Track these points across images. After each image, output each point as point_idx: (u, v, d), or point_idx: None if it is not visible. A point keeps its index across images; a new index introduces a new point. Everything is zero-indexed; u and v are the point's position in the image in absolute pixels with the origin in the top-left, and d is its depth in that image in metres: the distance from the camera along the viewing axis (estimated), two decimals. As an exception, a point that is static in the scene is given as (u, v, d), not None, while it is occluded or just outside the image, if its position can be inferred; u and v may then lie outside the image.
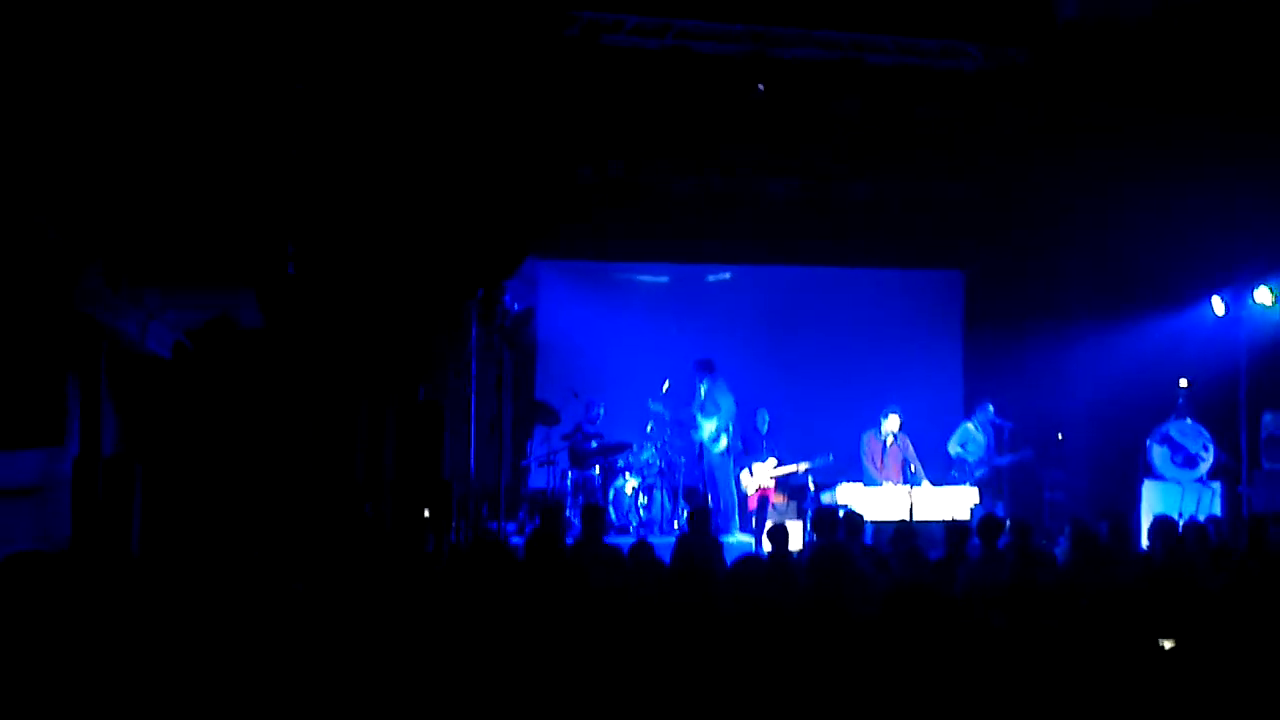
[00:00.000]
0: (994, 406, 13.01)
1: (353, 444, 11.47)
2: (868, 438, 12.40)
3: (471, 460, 11.61)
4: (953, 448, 12.91)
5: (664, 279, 14.75)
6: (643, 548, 7.33)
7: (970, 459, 12.81)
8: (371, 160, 10.88)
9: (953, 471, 12.83)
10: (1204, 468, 12.66)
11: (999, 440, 12.92)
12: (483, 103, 11.17)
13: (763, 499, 12.33)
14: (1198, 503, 12.34)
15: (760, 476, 12.40)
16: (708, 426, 12.33)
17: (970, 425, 12.99)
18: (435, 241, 11.42)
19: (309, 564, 6.60)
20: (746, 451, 12.57)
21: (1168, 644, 4.96)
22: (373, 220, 11.27)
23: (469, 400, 11.45)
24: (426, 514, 8.62)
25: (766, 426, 12.71)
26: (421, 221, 11.37)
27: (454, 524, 10.33)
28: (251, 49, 9.63)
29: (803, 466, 12.30)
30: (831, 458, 12.40)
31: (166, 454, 10.06)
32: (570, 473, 12.43)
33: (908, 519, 10.90)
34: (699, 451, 12.35)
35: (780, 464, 12.43)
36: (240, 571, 6.36)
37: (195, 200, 10.29)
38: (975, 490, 12.05)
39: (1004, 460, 12.82)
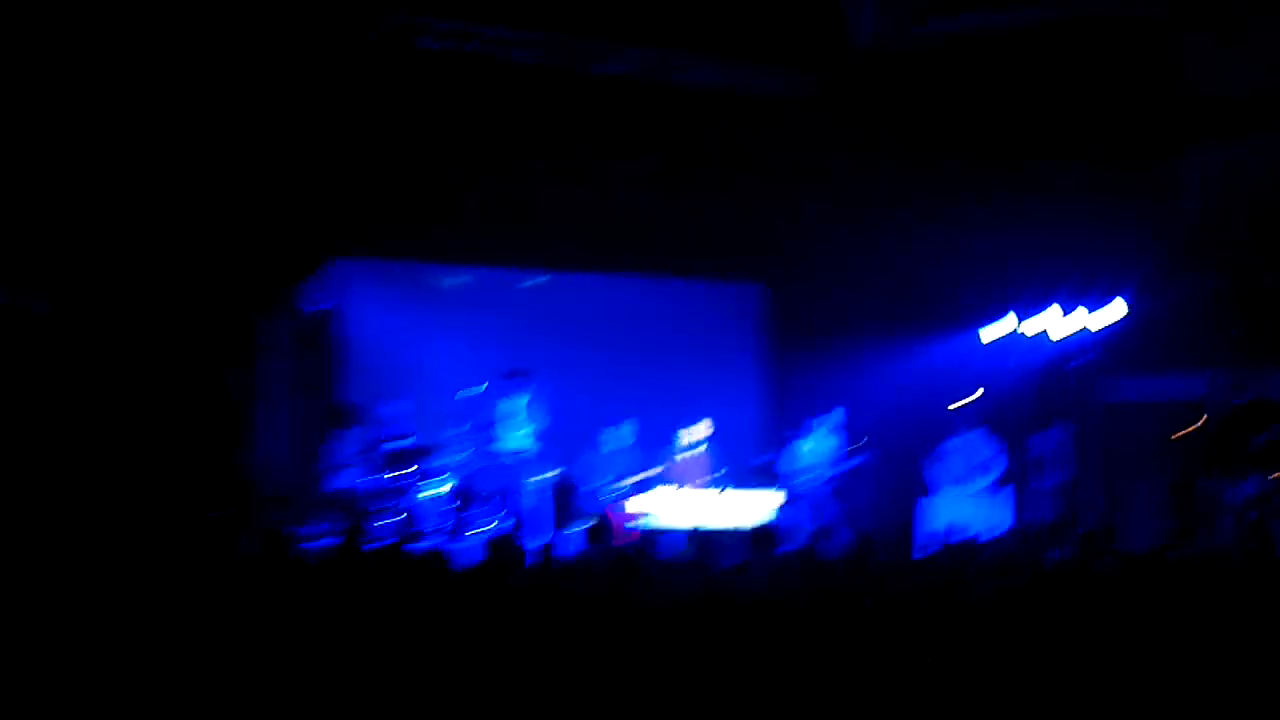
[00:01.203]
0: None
1: (144, 443, 11.20)
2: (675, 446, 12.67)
3: (274, 462, 11.47)
4: (792, 464, 13.07)
5: (471, 280, 14.76)
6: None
7: (823, 468, 13.01)
8: (164, 162, 10.71)
9: (796, 480, 13.02)
10: (987, 481, 13.36)
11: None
12: (280, 104, 11.11)
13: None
14: (988, 511, 13.00)
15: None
16: (517, 435, 12.39)
17: (805, 439, 13.15)
18: (227, 244, 11.27)
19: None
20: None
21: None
22: (161, 222, 11.07)
23: (269, 402, 11.32)
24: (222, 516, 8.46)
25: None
26: (212, 223, 11.21)
27: (251, 527, 10.16)
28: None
29: None
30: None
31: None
32: (376, 476, 12.33)
33: (706, 527, 11.13)
34: (501, 459, 12.42)
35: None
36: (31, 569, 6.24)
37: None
38: (780, 495, 12.37)
39: (848, 465, 13.11)
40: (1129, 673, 4.78)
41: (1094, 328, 12.56)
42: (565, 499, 13.21)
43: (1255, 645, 4.68)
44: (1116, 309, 12.39)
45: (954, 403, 13.60)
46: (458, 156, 12.86)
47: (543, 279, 14.90)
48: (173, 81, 10.57)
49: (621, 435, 12.95)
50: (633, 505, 11.88)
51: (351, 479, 12.44)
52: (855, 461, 13.08)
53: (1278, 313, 11.98)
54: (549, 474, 12.88)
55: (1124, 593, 6.44)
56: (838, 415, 13.14)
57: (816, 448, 13.07)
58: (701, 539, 8.98)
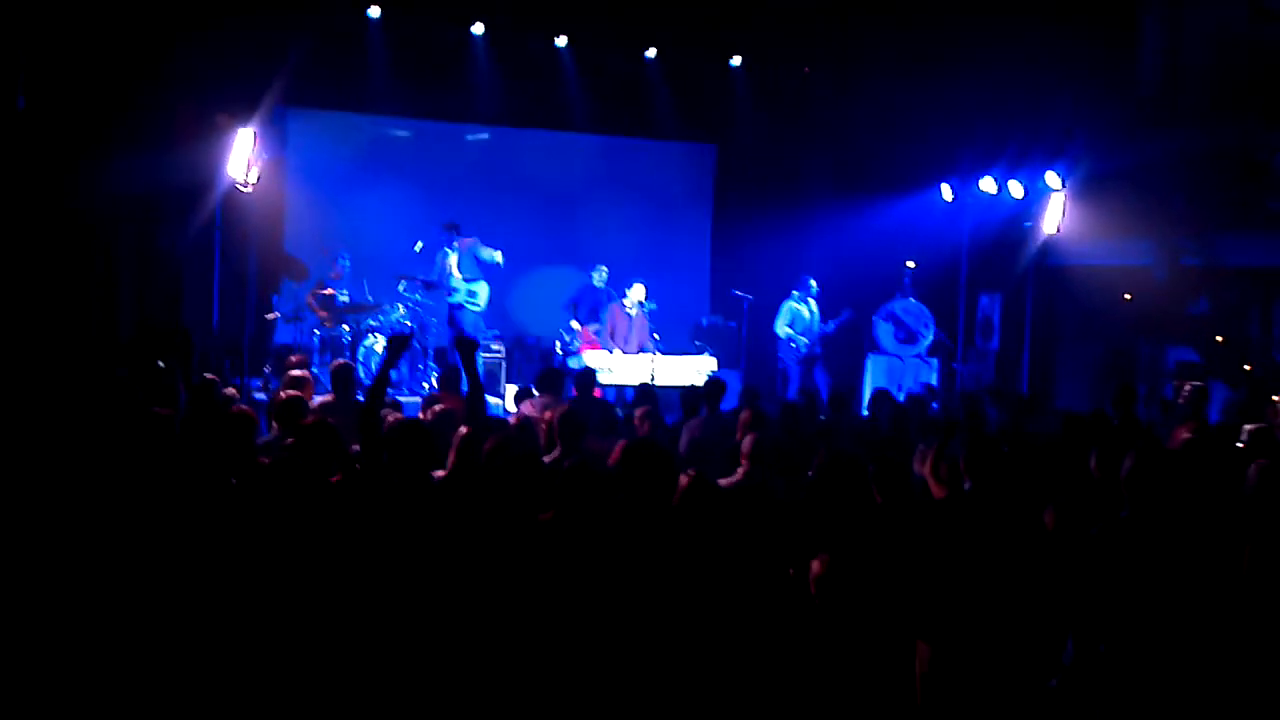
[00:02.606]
0: (804, 285, 13.07)
1: (86, 293, 11.00)
2: (612, 308, 12.62)
3: (215, 313, 11.31)
4: (781, 329, 12.99)
5: (414, 135, 14.50)
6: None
7: (802, 336, 12.97)
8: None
9: (784, 350, 13.00)
10: (924, 345, 13.55)
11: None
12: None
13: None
14: (916, 377, 13.20)
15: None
16: (464, 289, 12.26)
17: (794, 303, 13.02)
18: (177, 83, 10.93)
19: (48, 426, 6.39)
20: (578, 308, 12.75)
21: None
22: (107, 55, 10.70)
23: (212, 251, 11.11)
24: (162, 365, 8.35)
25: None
26: (156, 52, 10.84)
27: (194, 378, 10.06)
28: None
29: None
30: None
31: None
32: (318, 330, 12.25)
33: (650, 381, 11.22)
34: (448, 315, 12.34)
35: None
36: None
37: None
38: (714, 360, 12.48)
39: (831, 327, 13.03)
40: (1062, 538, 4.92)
41: (1043, 191, 12.58)
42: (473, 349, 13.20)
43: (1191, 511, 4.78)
44: (1066, 172, 12.41)
45: (894, 266, 13.64)
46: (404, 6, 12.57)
47: (484, 135, 14.66)
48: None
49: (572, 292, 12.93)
50: (581, 360, 11.90)
51: (295, 331, 12.36)
52: (842, 318, 13.01)
53: (1226, 178, 12.07)
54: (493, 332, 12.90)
55: (1064, 453, 6.59)
56: (810, 284, 13.04)
57: (805, 313, 12.99)
58: (647, 393, 9.02)
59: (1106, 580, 4.37)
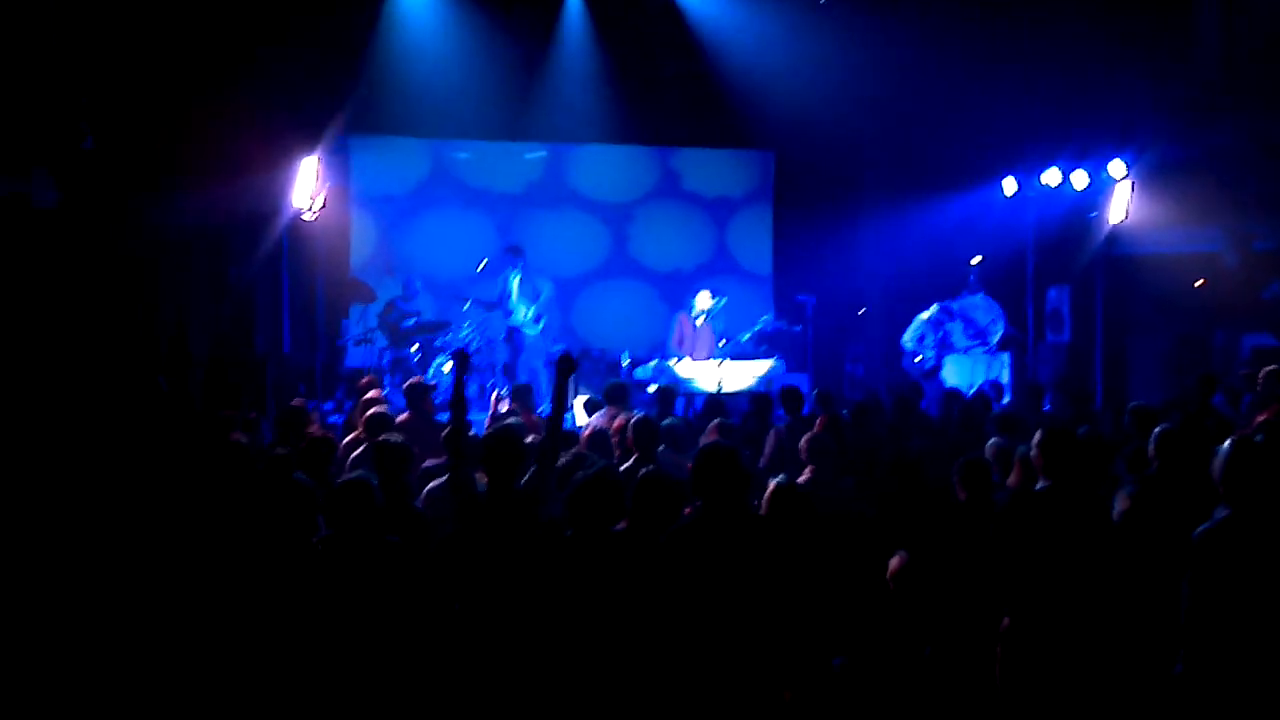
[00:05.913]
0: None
1: (154, 322, 11.21)
2: (679, 317, 12.61)
3: (286, 340, 11.51)
4: (908, 340, 12.98)
5: (474, 155, 14.62)
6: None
7: (929, 351, 13.06)
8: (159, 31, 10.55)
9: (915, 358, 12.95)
10: (994, 340, 13.39)
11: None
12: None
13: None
14: (987, 373, 13.06)
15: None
16: (523, 311, 12.39)
17: (926, 318, 12.99)
18: (239, 116, 11.13)
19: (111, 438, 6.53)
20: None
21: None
22: (170, 90, 10.94)
23: (281, 279, 11.30)
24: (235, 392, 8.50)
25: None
26: (217, 88, 11.05)
27: (268, 402, 10.26)
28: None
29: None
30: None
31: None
32: (387, 351, 12.42)
33: (718, 392, 11.20)
34: (508, 334, 12.45)
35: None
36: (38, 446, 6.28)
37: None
38: (773, 361, 12.40)
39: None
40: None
41: (1107, 181, 12.41)
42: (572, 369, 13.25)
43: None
44: (1130, 161, 12.24)
45: (965, 261, 13.51)
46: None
47: (542, 152, 14.73)
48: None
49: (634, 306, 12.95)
50: (646, 371, 11.92)
51: (365, 354, 12.52)
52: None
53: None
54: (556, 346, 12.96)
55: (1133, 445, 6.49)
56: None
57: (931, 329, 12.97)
58: (715, 404, 9.03)
59: (1213, 584, 4.20)
